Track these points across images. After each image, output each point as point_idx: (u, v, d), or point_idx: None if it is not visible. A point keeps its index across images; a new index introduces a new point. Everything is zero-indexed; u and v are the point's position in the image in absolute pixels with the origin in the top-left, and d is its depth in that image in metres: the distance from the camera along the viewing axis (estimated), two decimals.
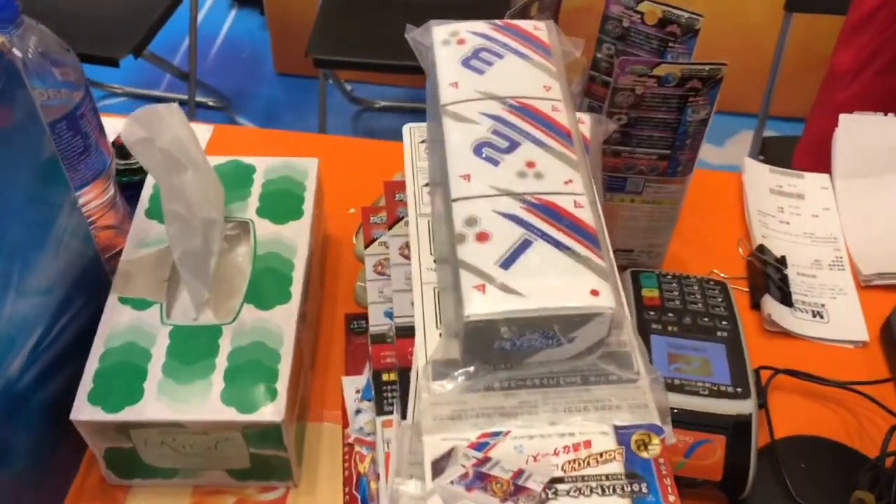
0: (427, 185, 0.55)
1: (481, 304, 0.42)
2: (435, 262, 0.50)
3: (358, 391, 0.65)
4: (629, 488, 0.41)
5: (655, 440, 0.43)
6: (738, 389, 0.64)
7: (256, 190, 0.73)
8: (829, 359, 0.75)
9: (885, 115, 0.88)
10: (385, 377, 0.58)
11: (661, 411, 0.44)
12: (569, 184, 0.48)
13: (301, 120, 2.31)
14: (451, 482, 0.41)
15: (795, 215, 0.86)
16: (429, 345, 0.47)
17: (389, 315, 0.61)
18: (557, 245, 0.45)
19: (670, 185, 0.70)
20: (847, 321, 0.77)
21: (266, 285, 0.66)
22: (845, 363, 0.75)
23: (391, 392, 0.57)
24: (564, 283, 0.43)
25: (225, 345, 0.62)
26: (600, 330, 0.44)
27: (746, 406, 0.64)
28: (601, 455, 0.42)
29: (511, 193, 0.47)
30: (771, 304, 0.76)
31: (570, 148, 0.50)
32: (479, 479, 0.41)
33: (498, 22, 0.56)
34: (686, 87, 0.63)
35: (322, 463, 0.66)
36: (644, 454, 0.43)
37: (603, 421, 0.44)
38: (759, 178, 0.89)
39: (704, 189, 0.86)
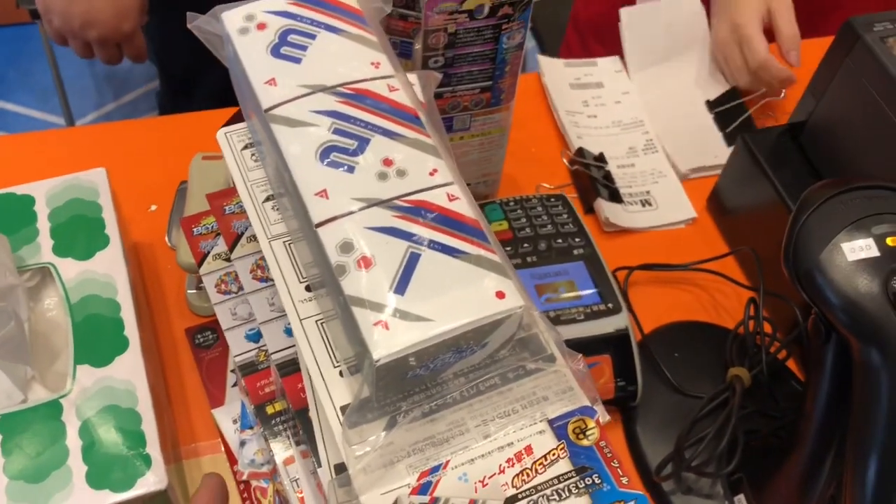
0: (268, 199, 0.48)
1: (388, 343, 0.38)
2: (308, 290, 0.45)
3: (235, 421, 0.60)
4: (583, 484, 0.40)
5: (591, 424, 0.42)
6: (610, 305, 0.65)
7: (44, 225, 0.62)
8: (668, 243, 0.78)
9: None
10: (269, 409, 0.52)
11: (587, 392, 0.43)
12: (434, 174, 0.44)
13: (29, 76, 2.04)
14: None
15: (600, 106, 0.86)
16: (328, 384, 0.42)
17: (252, 338, 0.55)
18: (446, 250, 0.41)
19: (496, 114, 0.67)
20: (673, 202, 0.80)
21: (94, 337, 0.57)
22: (683, 244, 0.78)
23: (281, 425, 0.52)
24: (467, 293, 0.40)
25: (71, 421, 0.53)
26: (511, 328, 0.41)
27: (621, 319, 0.64)
28: (545, 458, 0.41)
29: (379, 202, 0.42)
30: (604, 206, 0.77)
31: (422, 130, 0.45)
32: None
33: None
34: (498, 16, 0.59)
35: None
36: (585, 442, 0.41)
37: (535, 418, 0.42)
38: (557, 75, 0.88)
39: None
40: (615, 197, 0.78)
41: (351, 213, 0.41)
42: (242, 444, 0.58)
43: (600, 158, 0.80)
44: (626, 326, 0.64)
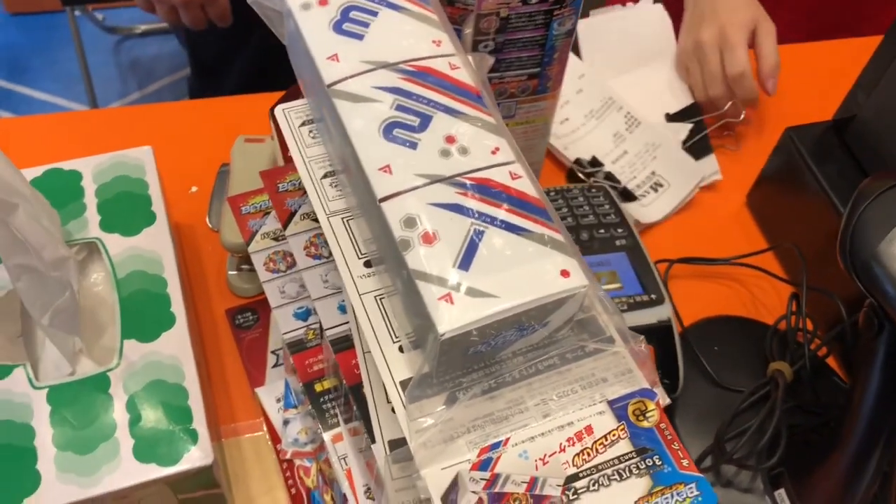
0: (327, 176, 0.48)
1: (453, 317, 0.38)
2: (367, 265, 0.45)
3: (278, 400, 0.60)
4: (644, 465, 0.40)
5: (651, 406, 0.42)
6: (653, 296, 0.65)
7: (91, 200, 0.62)
8: (707, 237, 0.78)
9: (624, 4, 0.87)
10: (318, 387, 0.52)
11: (647, 375, 0.42)
12: (497, 152, 0.43)
13: (55, 64, 2.05)
14: None
15: (565, 105, 0.83)
16: (388, 359, 0.42)
17: (300, 316, 0.55)
18: (511, 228, 0.41)
19: (542, 101, 0.67)
20: (680, 169, 0.78)
21: (141, 312, 0.57)
22: (723, 238, 0.78)
23: (330, 402, 0.52)
24: (532, 270, 0.39)
25: (118, 394, 0.54)
26: (574, 308, 0.41)
27: (664, 311, 0.64)
28: (606, 438, 0.40)
29: (442, 179, 0.42)
30: (627, 208, 0.76)
31: (484, 109, 0.45)
32: (495, 501, 0.38)
33: None
34: (551, 1, 0.59)
35: (253, 480, 0.61)
36: (645, 424, 0.41)
37: (594, 398, 0.42)
38: None
39: None
40: (627, 196, 0.77)
41: (415, 188, 0.41)
42: (286, 423, 0.58)
43: (595, 162, 0.79)
44: (668, 318, 0.64)
